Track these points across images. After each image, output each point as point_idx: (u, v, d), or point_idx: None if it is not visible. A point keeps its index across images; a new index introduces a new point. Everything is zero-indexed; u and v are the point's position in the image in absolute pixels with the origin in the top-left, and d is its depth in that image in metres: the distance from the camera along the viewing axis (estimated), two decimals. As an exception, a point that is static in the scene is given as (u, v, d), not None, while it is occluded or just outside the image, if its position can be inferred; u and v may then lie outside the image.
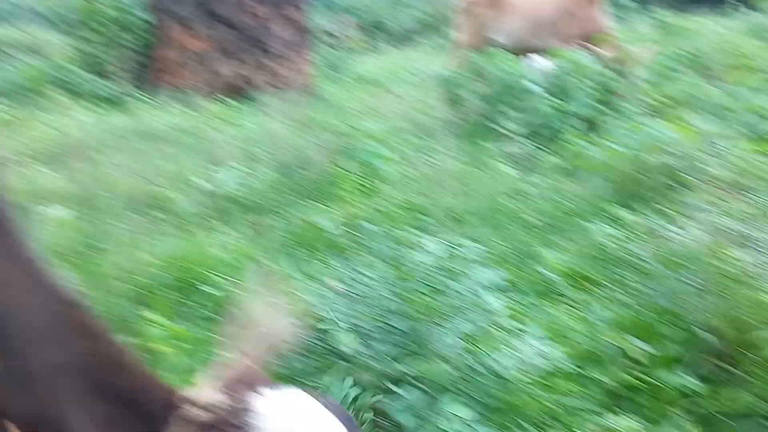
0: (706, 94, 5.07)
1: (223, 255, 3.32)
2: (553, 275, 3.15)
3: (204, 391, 1.15)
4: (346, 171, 4.38)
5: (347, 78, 9.97)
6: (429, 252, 1.94)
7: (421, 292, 1.86)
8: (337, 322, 1.89)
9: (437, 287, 1.87)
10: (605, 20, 6.85)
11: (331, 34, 15.48)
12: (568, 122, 5.23)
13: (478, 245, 2.09)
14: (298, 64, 9.19)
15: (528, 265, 3.36)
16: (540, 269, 3.24)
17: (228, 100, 7.61)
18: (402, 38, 16.70)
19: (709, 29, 8.34)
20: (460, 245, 2.03)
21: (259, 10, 8.55)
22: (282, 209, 3.95)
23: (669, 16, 9.63)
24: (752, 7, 9.62)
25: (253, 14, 8.49)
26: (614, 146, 4.03)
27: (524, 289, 3.10)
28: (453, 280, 1.87)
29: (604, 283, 3.02)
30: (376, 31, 17.47)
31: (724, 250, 2.33)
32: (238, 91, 8.29)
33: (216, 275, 3.07)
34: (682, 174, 3.48)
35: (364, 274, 1.94)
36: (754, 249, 2.40)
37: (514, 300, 2.79)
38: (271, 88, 8.04)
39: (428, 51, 12.94)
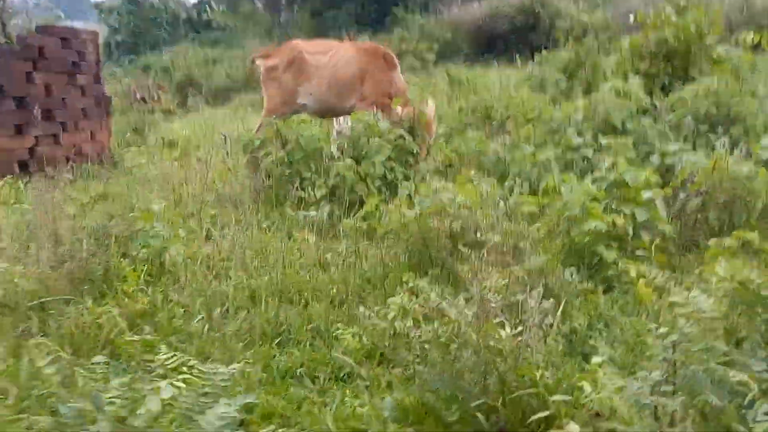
0: (492, 150, 5.35)
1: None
2: (346, 357, 3.02)
3: None
4: (131, 257, 4.02)
5: (152, 144, 9.47)
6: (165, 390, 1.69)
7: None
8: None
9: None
10: (402, 82, 7.15)
11: (138, 98, 14.84)
12: (367, 185, 5.27)
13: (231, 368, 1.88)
14: (94, 133, 8.59)
15: (323, 346, 3.23)
16: (334, 351, 3.12)
17: (10, 177, 6.83)
18: (215, 96, 16.37)
19: (494, 82, 9.01)
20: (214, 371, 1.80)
21: (47, 79, 7.87)
22: (49, 309, 3.46)
23: (461, 71, 10.31)
24: (531, 58, 10.53)
25: (39, 84, 7.79)
26: (405, 210, 4.05)
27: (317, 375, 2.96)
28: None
29: (395, 363, 2.94)
30: (188, 90, 17.00)
31: (491, 325, 2.32)
32: (22, 167, 7.53)
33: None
34: (463, 239, 3.55)
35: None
36: (519, 319, 2.44)
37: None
38: (64, 161, 7.40)
39: (240, 109, 12.75)
